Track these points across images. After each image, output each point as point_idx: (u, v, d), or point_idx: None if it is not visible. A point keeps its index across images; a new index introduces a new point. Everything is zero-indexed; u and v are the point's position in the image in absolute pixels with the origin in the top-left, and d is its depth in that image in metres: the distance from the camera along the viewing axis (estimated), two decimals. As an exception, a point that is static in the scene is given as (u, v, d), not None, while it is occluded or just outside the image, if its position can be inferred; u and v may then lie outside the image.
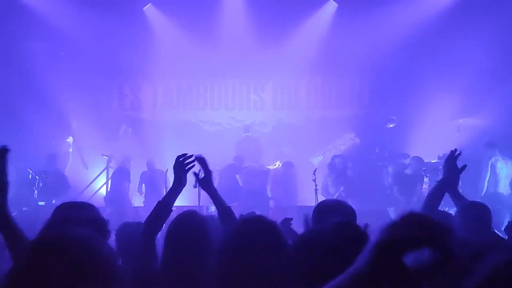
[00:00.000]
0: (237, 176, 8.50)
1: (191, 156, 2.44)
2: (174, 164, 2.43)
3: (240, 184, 8.49)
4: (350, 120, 10.25)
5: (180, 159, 2.45)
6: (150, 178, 8.35)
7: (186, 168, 2.43)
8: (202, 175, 2.56)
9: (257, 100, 10.69)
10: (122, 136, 10.04)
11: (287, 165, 8.61)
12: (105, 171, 8.91)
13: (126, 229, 3.16)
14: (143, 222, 2.97)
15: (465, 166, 2.90)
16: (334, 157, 8.38)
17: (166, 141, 9.80)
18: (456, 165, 2.90)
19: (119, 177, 8.35)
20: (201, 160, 2.51)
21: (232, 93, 10.67)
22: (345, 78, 10.55)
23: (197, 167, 2.55)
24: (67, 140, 8.82)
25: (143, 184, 8.56)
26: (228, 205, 2.58)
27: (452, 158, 2.92)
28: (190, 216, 2.39)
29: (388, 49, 9.54)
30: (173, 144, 9.75)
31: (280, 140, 10.20)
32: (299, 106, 10.67)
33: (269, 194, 8.48)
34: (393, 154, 8.92)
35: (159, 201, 2.40)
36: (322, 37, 10.07)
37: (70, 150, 9.04)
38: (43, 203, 7.48)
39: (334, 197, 7.40)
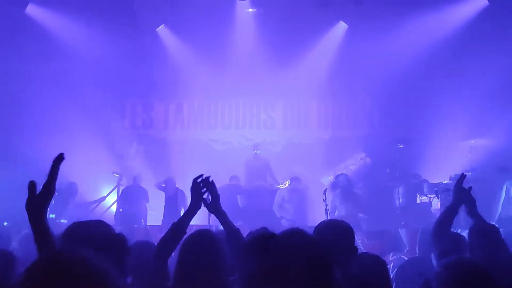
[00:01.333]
0: (238, 197, 8.52)
1: (208, 178, 2.45)
2: (192, 186, 2.44)
3: (240, 205, 8.50)
4: (360, 140, 10.23)
5: (198, 181, 2.46)
6: (169, 197, 8.26)
7: (203, 190, 2.45)
8: (209, 198, 2.56)
9: (267, 119, 10.74)
10: (134, 154, 10.12)
11: (295, 181, 8.53)
12: (116, 189, 8.95)
13: (138, 248, 3.17)
14: (153, 241, 2.99)
15: (470, 188, 2.91)
16: (337, 176, 8.33)
17: (176, 160, 9.86)
18: (463, 187, 2.92)
19: (136, 196, 8.36)
20: (210, 184, 2.52)
21: (242, 112, 10.74)
22: (355, 97, 10.57)
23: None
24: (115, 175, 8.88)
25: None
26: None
27: (460, 181, 2.94)
28: (204, 235, 2.39)
29: (399, 69, 9.57)
30: (183, 162, 9.82)
31: (290, 159, 10.19)
32: (309, 125, 10.70)
33: (276, 213, 8.43)
34: (404, 174, 8.85)
35: (174, 222, 2.41)
36: (333, 58, 10.14)
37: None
38: (53, 215, 7.55)
39: (342, 215, 7.33)
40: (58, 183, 1.71)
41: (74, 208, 8.03)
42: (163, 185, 8.53)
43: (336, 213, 7.70)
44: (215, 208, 2.53)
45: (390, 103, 10.23)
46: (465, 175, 3.02)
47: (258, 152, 9.43)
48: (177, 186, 8.29)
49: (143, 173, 9.16)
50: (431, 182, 8.39)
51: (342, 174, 8.32)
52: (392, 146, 9.10)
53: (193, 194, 2.43)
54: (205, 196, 2.53)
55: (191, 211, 2.42)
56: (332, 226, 2.39)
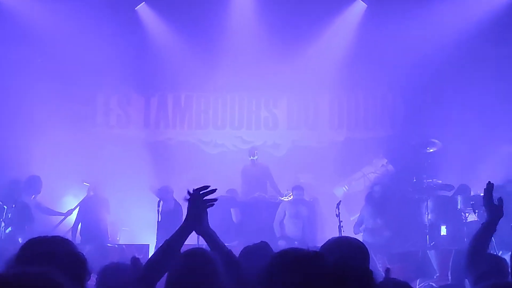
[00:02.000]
0: (232, 211, 8.48)
1: (214, 190, 2.43)
2: (190, 198, 2.42)
3: (234, 220, 8.47)
4: (381, 142, 10.21)
5: (201, 192, 2.43)
6: (167, 212, 8.15)
7: (207, 204, 2.42)
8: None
9: (268, 118, 10.72)
10: (107, 158, 10.07)
11: (297, 190, 8.48)
12: (83, 200, 8.91)
13: (111, 271, 3.14)
14: (129, 262, 2.96)
15: (501, 200, 2.95)
16: (373, 184, 8.36)
17: (159, 166, 9.83)
18: (493, 201, 2.96)
19: (96, 207, 8.35)
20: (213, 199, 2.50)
21: (239, 108, 10.72)
22: (375, 92, 10.56)
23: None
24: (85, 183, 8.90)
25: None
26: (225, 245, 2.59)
27: (488, 193, 2.98)
28: (197, 255, 2.40)
29: (428, 58, 9.57)
30: (168, 169, 9.79)
31: (296, 166, 10.17)
32: (319, 125, 10.67)
33: (276, 232, 8.38)
34: (434, 185, 8.83)
35: (166, 240, 2.39)
36: (348, 43, 10.13)
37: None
38: (9, 229, 7.55)
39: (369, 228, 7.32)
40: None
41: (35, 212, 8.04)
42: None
43: (362, 226, 7.77)
44: (202, 229, 2.51)
45: (417, 98, 10.20)
46: (492, 184, 3.03)
47: (256, 158, 9.39)
48: (175, 197, 8.22)
49: (118, 181, 9.11)
50: (466, 194, 8.36)
51: (378, 183, 8.34)
52: (420, 150, 9.08)
53: (191, 208, 2.40)
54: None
55: (188, 228, 2.39)
56: (346, 244, 2.38)
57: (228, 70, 10.17)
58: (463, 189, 8.51)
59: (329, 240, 2.51)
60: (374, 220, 7.76)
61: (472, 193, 8.44)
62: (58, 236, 2.19)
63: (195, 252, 2.43)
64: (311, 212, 8.82)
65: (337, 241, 2.48)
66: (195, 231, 2.50)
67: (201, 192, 2.40)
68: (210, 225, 2.62)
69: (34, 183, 8.25)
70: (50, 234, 2.19)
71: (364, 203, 8.12)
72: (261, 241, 3.33)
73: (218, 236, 2.56)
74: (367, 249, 2.36)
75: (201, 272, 2.29)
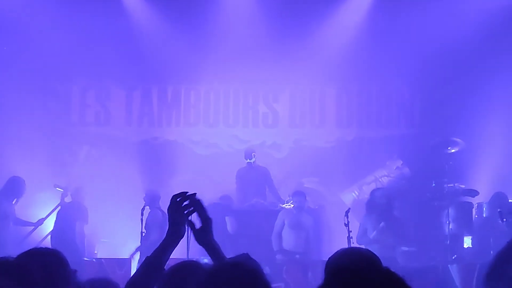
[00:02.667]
0: (227, 219, 8.48)
1: (193, 195, 2.43)
2: (169, 207, 2.42)
3: (228, 229, 8.47)
4: (396, 142, 10.23)
5: (178, 200, 2.43)
6: (154, 220, 8.12)
7: (186, 212, 2.42)
8: (198, 224, 2.55)
9: (268, 114, 10.72)
10: (84, 161, 10.07)
11: (298, 196, 8.45)
12: (59, 208, 8.91)
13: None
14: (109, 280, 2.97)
15: None
16: (373, 191, 8.33)
17: (144, 169, 9.82)
18: None
19: (72, 216, 8.35)
20: (197, 204, 2.49)
21: (234, 103, 10.73)
22: (389, 85, 10.58)
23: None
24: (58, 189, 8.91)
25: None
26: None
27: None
28: (190, 269, 2.41)
29: (449, 47, 9.60)
30: (153, 172, 9.78)
31: (299, 168, 10.18)
32: (325, 122, 10.68)
33: (274, 245, 8.35)
34: (456, 191, 8.84)
35: (147, 257, 2.39)
36: (359, 31, 10.15)
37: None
38: None
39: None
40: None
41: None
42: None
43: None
44: (203, 237, 2.51)
45: (437, 93, 10.23)
46: None
47: (253, 161, 9.39)
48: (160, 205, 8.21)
49: (95, 185, 9.11)
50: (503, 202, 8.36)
51: (379, 188, 8.28)
52: (439, 151, 9.09)
53: (171, 218, 2.40)
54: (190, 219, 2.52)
55: (170, 242, 2.39)
56: (352, 255, 2.39)
57: (221, 59, 10.17)
58: (499, 198, 8.45)
59: (337, 252, 2.52)
60: (380, 231, 7.71)
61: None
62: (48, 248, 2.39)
63: (187, 266, 2.43)
64: (317, 222, 8.81)
65: (346, 253, 2.48)
66: (199, 242, 2.50)
67: (178, 200, 2.40)
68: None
69: (16, 185, 8.22)
70: (20, 246, 2.37)
71: (365, 213, 8.04)
72: (244, 253, 3.34)
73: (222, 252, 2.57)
74: (380, 261, 2.35)
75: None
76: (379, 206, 7.90)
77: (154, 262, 2.35)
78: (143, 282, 2.34)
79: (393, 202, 8.13)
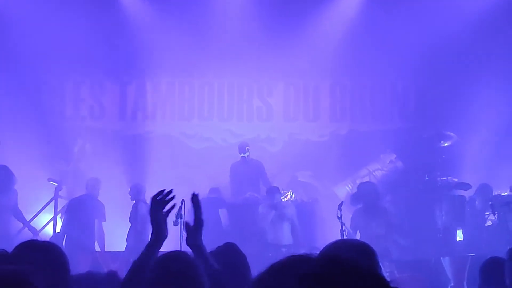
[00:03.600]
0: (220, 212, 8.49)
1: (170, 192, 2.45)
2: (151, 207, 2.44)
3: (222, 223, 8.48)
4: (389, 136, 10.22)
5: (158, 198, 2.45)
6: (140, 214, 8.14)
7: (166, 210, 2.44)
8: (191, 222, 2.60)
9: (262, 108, 10.73)
10: (77, 155, 10.06)
11: (270, 193, 8.36)
12: (53, 202, 8.90)
13: (84, 282, 3.17)
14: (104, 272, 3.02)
15: None
16: (359, 185, 8.30)
17: (137, 162, 9.82)
18: None
19: (87, 212, 8.33)
20: (195, 202, 2.53)
21: (228, 97, 10.73)
22: (383, 79, 10.60)
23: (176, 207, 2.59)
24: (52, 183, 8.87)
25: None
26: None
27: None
28: (177, 259, 2.44)
29: (444, 39, 9.61)
30: (147, 166, 9.78)
31: (293, 162, 10.19)
32: (319, 116, 10.70)
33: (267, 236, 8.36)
34: (448, 184, 8.89)
35: (134, 261, 2.42)
36: (353, 24, 10.15)
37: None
38: None
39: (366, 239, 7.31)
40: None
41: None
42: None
43: (358, 236, 7.69)
44: (193, 239, 2.54)
45: (431, 87, 10.25)
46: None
47: (247, 155, 9.39)
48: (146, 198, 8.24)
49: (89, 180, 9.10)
50: (488, 195, 8.41)
51: (366, 182, 8.30)
52: (433, 144, 9.12)
53: (154, 220, 2.42)
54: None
55: (155, 244, 2.42)
56: (347, 246, 2.39)
57: (215, 53, 10.17)
58: (484, 189, 8.54)
59: (331, 243, 2.51)
60: (370, 226, 7.69)
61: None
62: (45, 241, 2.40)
63: (174, 255, 2.48)
64: (309, 215, 8.84)
65: (339, 244, 2.48)
66: (188, 244, 2.53)
67: (158, 198, 2.41)
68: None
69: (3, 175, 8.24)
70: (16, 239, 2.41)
71: (353, 207, 7.94)
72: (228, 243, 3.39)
73: (206, 242, 2.60)
74: (375, 252, 2.36)
75: (181, 277, 2.33)
76: (365, 198, 7.88)
77: (141, 264, 2.38)
78: (133, 284, 2.36)
79: (380, 194, 8.10)
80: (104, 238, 8.37)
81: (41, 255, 2.29)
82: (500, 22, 9.76)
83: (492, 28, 9.76)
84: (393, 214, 8.30)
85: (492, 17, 9.65)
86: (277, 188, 8.52)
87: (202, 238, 2.62)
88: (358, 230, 7.87)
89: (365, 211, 7.79)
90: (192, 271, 2.39)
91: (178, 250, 2.57)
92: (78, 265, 6.70)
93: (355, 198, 8.00)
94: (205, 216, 8.02)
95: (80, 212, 8.28)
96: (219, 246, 3.37)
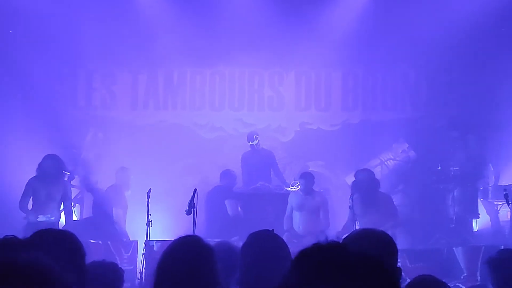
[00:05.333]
0: (226, 202, 8.48)
1: None
2: None
3: (229, 213, 8.47)
4: (402, 125, 10.16)
5: None
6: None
7: None
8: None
9: (273, 97, 10.69)
10: (89, 144, 10.08)
11: (303, 178, 8.36)
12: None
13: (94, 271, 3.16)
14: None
15: None
16: (356, 173, 8.08)
17: (149, 151, 9.83)
18: None
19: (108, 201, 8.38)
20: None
21: (239, 87, 10.69)
22: (395, 68, 10.51)
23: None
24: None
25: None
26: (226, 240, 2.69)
27: None
28: (190, 244, 2.48)
29: (458, 27, 9.49)
30: (158, 155, 9.79)
31: (305, 151, 10.18)
32: (331, 106, 10.64)
33: (285, 226, 8.34)
34: (462, 174, 8.82)
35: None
36: (364, 12, 10.06)
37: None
38: None
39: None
40: None
41: None
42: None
43: (357, 225, 7.56)
44: None
45: (443, 75, 10.15)
46: None
47: (255, 143, 9.36)
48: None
49: (102, 169, 9.13)
50: (499, 183, 8.34)
51: (362, 169, 8.08)
52: (445, 134, 9.05)
53: None
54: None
55: None
56: (370, 237, 2.40)
57: (227, 43, 10.13)
58: (497, 179, 8.47)
59: (352, 233, 2.56)
60: (367, 217, 7.51)
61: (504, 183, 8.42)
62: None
63: (187, 240, 2.52)
64: (322, 204, 8.80)
65: (364, 233, 2.51)
66: None
67: None
68: (210, 220, 2.76)
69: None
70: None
71: (351, 197, 7.69)
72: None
73: (215, 232, 2.65)
74: (395, 244, 2.40)
75: (194, 262, 2.37)
76: (361, 186, 7.75)
77: None
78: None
79: (376, 182, 7.90)
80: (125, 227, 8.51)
81: (57, 243, 2.34)
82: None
83: (507, 16, 9.62)
84: (403, 204, 8.23)
85: (506, 4, 9.51)
86: (310, 174, 8.38)
87: (211, 227, 2.69)
88: (356, 222, 7.71)
89: (361, 200, 7.65)
90: (207, 256, 2.43)
91: (192, 236, 2.60)
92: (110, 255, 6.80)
93: (353, 186, 7.91)
94: (213, 206, 7.94)
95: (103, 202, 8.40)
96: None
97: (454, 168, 8.92)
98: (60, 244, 2.30)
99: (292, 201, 8.32)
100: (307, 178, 8.25)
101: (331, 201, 9.14)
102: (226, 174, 8.86)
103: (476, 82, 9.84)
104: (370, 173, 7.92)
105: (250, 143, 9.34)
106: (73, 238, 2.44)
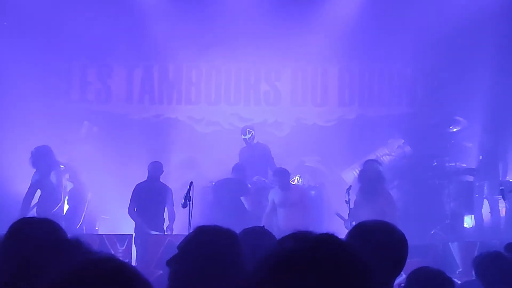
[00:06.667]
0: (243, 199, 8.39)
1: None
2: None
3: (247, 208, 8.40)
4: (398, 121, 10.17)
5: None
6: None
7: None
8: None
9: (269, 92, 10.67)
10: (84, 138, 10.04)
11: (279, 175, 8.18)
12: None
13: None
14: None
15: None
16: (364, 162, 7.98)
17: (144, 146, 9.79)
18: None
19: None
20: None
21: (235, 81, 10.67)
22: (391, 64, 10.51)
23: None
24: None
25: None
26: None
27: None
28: (213, 231, 2.41)
29: (453, 27, 9.49)
30: (154, 149, 9.75)
31: (301, 147, 10.15)
32: (327, 101, 10.62)
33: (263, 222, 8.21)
34: (457, 169, 8.83)
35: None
36: (362, 8, 10.05)
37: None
38: None
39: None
40: None
41: None
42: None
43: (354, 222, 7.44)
44: None
45: (439, 72, 10.15)
46: None
47: (248, 137, 9.33)
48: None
49: (96, 163, 9.09)
50: (494, 180, 8.35)
51: (368, 160, 8.00)
52: (441, 129, 9.06)
53: None
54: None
55: None
56: (379, 229, 2.36)
57: (223, 37, 10.10)
58: (493, 175, 8.46)
59: (360, 224, 2.49)
60: (367, 209, 7.41)
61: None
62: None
63: (211, 228, 2.45)
64: (316, 200, 8.79)
65: (373, 225, 2.45)
66: None
67: None
68: (223, 212, 2.71)
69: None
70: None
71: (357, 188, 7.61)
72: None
73: (230, 226, 2.56)
74: (405, 236, 2.36)
75: (217, 247, 2.30)
76: (364, 177, 7.67)
77: None
78: None
79: (379, 173, 7.78)
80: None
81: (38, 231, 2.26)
82: (509, 5, 9.63)
83: (503, 12, 9.63)
84: (399, 200, 8.19)
85: (503, 1, 9.53)
86: (284, 170, 8.32)
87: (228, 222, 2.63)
88: (356, 215, 7.64)
89: (362, 189, 7.58)
90: (230, 242, 2.40)
91: (214, 225, 2.52)
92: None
93: (358, 176, 7.88)
94: (229, 197, 7.84)
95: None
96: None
97: (450, 164, 8.92)
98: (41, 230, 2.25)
99: (272, 198, 8.24)
100: (282, 174, 8.18)
101: (326, 196, 9.14)
102: (238, 168, 8.75)
103: (473, 78, 9.83)
104: (375, 164, 7.86)
105: (243, 137, 9.35)
106: (52, 225, 2.36)
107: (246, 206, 8.37)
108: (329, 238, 1.35)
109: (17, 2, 9.66)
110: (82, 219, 8.57)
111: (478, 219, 8.50)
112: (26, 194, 8.04)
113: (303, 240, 1.34)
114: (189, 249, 2.34)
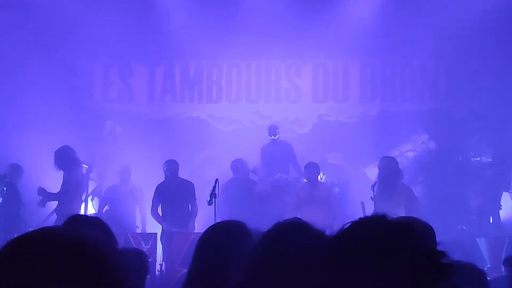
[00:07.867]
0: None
1: None
2: None
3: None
4: (421, 116, 10.05)
5: None
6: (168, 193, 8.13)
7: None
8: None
9: (290, 89, 10.63)
10: (107, 137, 10.09)
11: (309, 168, 8.21)
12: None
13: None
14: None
15: None
16: (381, 159, 7.87)
17: (166, 145, 9.82)
18: None
19: (124, 198, 8.39)
20: None
21: (256, 79, 10.65)
22: (414, 59, 10.41)
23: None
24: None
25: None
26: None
27: None
28: (232, 226, 2.49)
29: (474, 19, 9.36)
30: (175, 148, 9.78)
31: (323, 144, 10.10)
32: (349, 97, 10.55)
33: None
34: (482, 164, 8.72)
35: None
36: (382, 2, 9.98)
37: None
38: None
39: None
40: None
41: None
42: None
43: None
44: None
45: (462, 66, 10.01)
46: None
47: (277, 137, 9.30)
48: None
49: (119, 163, 9.13)
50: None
51: (384, 157, 7.87)
52: (466, 124, 8.95)
53: None
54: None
55: None
56: (409, 223, 2.32)
57: (243, 35, 10.07)
58: None
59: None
60: (383, 206, 7.31)
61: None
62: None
63: (228, 223, 2.56)
64: (340, 197, 8.73)
65: (403, 219, 2.42)
66: None
67: None
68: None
69: (16, 172, 8.50)
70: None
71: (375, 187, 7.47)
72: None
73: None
74: (433, 229, 2.31)
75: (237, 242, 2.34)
76: (381, 173, 7.61)
77: None
78: None
79: (396, 170, 7.70)
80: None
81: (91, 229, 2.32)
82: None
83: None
84: (424, 196, 8.12)
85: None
86: (315, 164, 8.30)
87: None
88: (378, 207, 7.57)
89: (380, 187, 7.50)
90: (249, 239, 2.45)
91: (233, 220, 2.56)
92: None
93: (377, 174, 7.80)
94: (234, 199, 7.82)
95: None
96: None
97: (475, 159, 8.81)
98: (95, 229, 2.28)
99: (298, 194, 8.21)
100: (313, 167, 8.16)
101: (350, 193, 9.08)
102: (238, 165, 8.75)
103: (497, 72, 9.70)
104: (391, 161, 7.78)
105: (272, 137, 9.23)
106: (103, 224, 2.44)
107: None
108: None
109: (41, 5, 9.74)
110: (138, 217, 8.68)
111: (505, 214, 8.38)
112: (57, 193, 8.12)
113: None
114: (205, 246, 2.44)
